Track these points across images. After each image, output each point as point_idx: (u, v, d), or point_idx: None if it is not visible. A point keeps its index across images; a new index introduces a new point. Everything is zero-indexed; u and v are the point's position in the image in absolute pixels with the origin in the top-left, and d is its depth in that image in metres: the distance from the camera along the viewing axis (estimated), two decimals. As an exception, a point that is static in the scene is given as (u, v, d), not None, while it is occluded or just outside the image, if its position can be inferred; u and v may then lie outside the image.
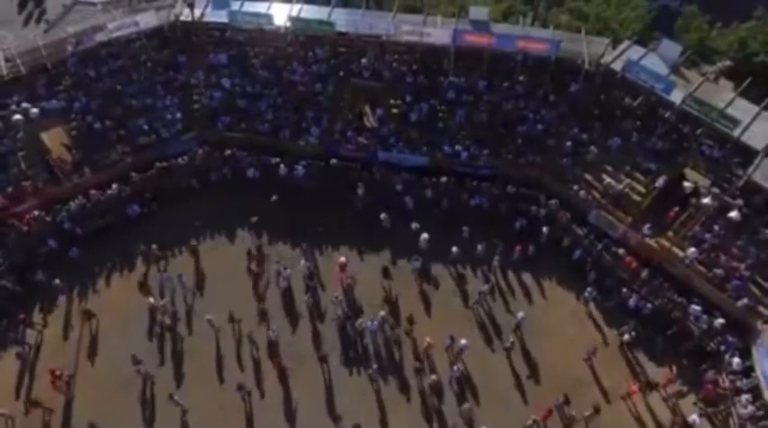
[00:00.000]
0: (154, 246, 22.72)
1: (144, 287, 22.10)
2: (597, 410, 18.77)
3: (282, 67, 27.34)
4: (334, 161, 25.41)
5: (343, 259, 22.40)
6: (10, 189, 22.96)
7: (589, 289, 21.95)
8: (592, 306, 21.91)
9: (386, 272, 22.56)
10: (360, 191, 24.37)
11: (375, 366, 19.99)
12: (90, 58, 26.11)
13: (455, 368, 19.76)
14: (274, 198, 24.02)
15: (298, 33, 27.26)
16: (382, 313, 20.96)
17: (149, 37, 26.99)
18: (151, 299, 21.19)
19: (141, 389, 19.53)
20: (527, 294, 22.42)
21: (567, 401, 18.96)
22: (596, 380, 20.05)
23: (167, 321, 21.15)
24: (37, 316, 21.34)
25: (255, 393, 19.57)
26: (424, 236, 22.78)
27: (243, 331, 20.85)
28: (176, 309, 21.56)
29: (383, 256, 23.36)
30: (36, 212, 23.01)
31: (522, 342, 20.95)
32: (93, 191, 23.82)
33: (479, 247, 22.80)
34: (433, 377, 19.71)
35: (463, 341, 20.02)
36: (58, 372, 19.19)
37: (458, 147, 25.50)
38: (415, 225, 23.23)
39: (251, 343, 20.55)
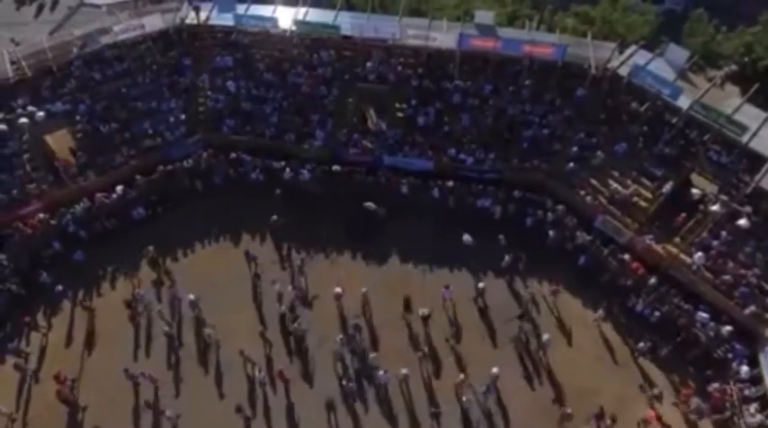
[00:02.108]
0: (150, 248, 22.55)
1: (131, 306, 21.26)
2: (614, 420, 18.63)
3: (287, 71, 27.30)
4: (336, 167, 25.32)
5: (338, 290, 21.32)
6: (15, 192, 22.92)
7: (595, 295, 21.81)
8: (599, 312, 21.66)
9: (407, 305, 21.21)
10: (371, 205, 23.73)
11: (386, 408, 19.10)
12: (95, 61, 26.09)
13: (464, 398, 19.01)
14: (278, 192, 24.17)
15: (303, 37, 27.22)
16: (404, 371, 19.41)
17: (155, 40, 26.98)
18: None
19: (145, 394, 19.39)
20: (534, 301, 22.19)
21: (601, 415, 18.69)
22: (603, 388, 19.86)
23: (165, 328, 20.80)
24: (41, 319, 21.22)
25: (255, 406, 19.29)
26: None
27: (238, 347, 20.20)
28: (177, 317, 21.29)
29: (389, 270, 22.98)
30: (41, 215, 22.97)
31: (545, 363, 20.37)
32: (98, 195, 23.80)
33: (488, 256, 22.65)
34: None
35: (494, 369, 19.20)
36: (62, 377, 19.12)
37: (462, 155, 25.42)
38: (466, 237, 22.86)
39: (246, 360, 19.95)
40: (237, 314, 21.33)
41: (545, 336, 20.48)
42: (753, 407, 18.59)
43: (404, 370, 19.47)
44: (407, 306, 21.26)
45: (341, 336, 20.22)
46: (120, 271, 22.62)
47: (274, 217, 23.46)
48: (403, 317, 21.34)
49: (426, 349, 20.47)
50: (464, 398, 19.09)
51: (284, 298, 21.55)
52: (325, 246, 23.58)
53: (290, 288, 21.82)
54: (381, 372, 19.42)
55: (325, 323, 21.10)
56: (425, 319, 20.74)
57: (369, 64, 26.94)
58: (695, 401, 19.05)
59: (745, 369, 19.33)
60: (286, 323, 20.90)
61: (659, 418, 18.85)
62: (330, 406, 19.03)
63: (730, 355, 19.98)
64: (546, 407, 19.36)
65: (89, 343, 20.72)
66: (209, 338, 20.47)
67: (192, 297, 21.05)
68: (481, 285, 21.77)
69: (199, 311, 21.19)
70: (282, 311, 21.19)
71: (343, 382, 19.57)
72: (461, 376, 19.43)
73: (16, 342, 20.42)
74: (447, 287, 21.59)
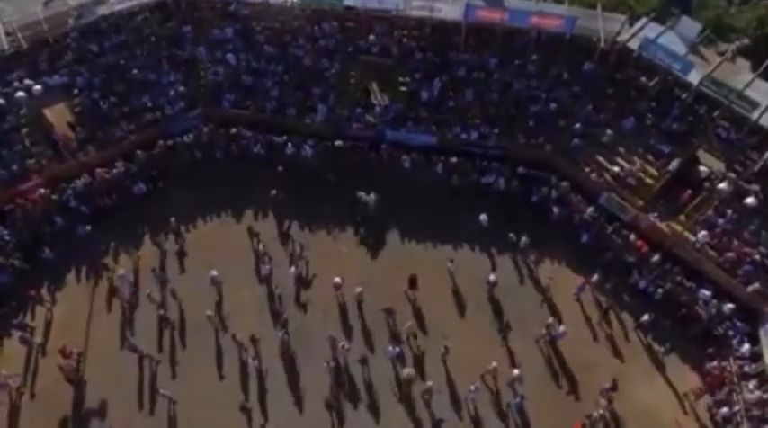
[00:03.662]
0: (172, 219, 22.53)
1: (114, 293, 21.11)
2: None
3: (288, 43, 26.68)
4: (339, 143, 24.90)
5: (337, 279, 20.66)
6: (15, 167, 22.72)
7: (598, 272, 21.77)
8: (594, 277, 21.67)
9: (413, 282, 20.95)
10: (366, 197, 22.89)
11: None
12: (92, 33, 25.47)
13: (473, 387, 18.78)
14: (280, 168, 23.88)
15: (304, 7, 26.45)
16: (430, 384, 18.82)
17: (152, 10, 26.26)
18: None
19: (148, 369, 19.68)
20: (536, 277, 22.25)
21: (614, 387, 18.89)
22: (605, 362, 20.10)
23: (160, 312, 20.69)
24: (45, 294, 21.25)
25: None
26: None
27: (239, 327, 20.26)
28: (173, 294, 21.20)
29: (392, 247, 22.80)
30: (41, 190, 22.80)
31: (558, 355, 20.30)
32: (98, 170, 23.59)
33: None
34: None
35: (516, 371, 19.11)
36: (68, 351, 19.31)
37: (464, 135, 24.95)
38: (483, 216, 22.53)
39: (238, 345, 19.87)
40: (239, 291, 21.34)
41: (561, 328, 20.23)
42: (752, 384, 18.78)
43: (431, 384, 19.03)
44: (413, 284, 21.09)
45: (343, 344, 19.52)
46: (121, 246, 22.52)
47: (274, 191, 23.28)
48: (406, 294, 21.35)
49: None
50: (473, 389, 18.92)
51: (275, 285, 21.33)
52: (328, 223, 23.46)
53: (292, 269, 21.54)
54: (390, 348, 19.60)
55: (324, 311, 20.94)
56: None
57: (371, 36, 26.30)
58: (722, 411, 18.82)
59: (746, 346, 19.45)
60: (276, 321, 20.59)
61: None
62: (330, 397, 19.07)
63: (731, 332, 20.07)
64: (560, 398, 19.50)
65: (94, 317, 20.77)
66: (210, 320, 20.35)
67: (214, 273, 21.01)
68: (492, 277, 21.35)
69: (219, 287, 21.22)
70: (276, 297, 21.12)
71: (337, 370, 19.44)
72: (493, 363, 19.30)
73: (21, 316, 20.58)
74: (452, 261, 21.68)
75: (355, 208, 23.18)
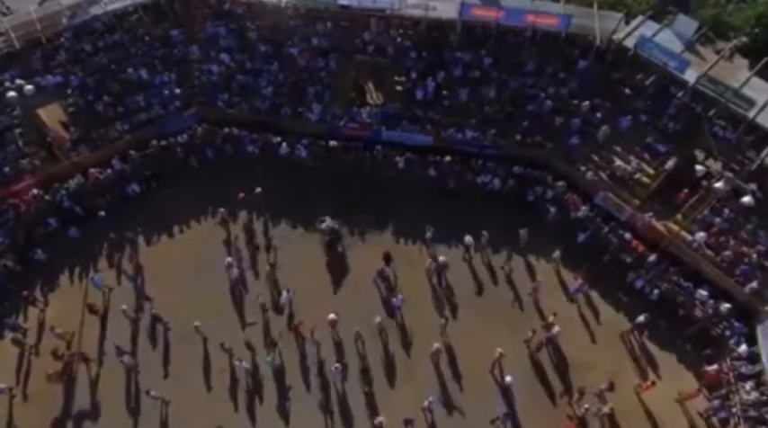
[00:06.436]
0: (222, 210, 22.81)
1: (94, 311, 20.48)
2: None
3: (283, 42, 26.55)
4: (334, 143, 24.79)
5: (332, 316, 19.75)
6: (7, 167, 22.61)
7: (595, 271, 21.59)
8: (555, 253, 21.73)
9: (387, 259, 21.39)
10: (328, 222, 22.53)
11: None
12: (85, 32, 25.36)
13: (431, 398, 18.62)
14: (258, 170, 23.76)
15: (299, 6, 26.33)
16: (437, 345, 19.35)
17: (146, 10, 26.12)
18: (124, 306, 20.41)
19: (138, 371, 19.49)
20: (532, 276, 22.10)
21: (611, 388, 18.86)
22: (601, 363, 19.93)
23: (153, 311, 20.60)
24: (38, 295, 21.13)
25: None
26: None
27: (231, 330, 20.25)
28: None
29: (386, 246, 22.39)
30: (35, 191, 22.69)
31: (553, 355, 20.18)
32: (91, 170, 23.48)
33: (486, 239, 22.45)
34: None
35: (508, 378, 18.97)
36: (60, 353, 19.21)
37: (459, 135, 24.81)
38: (468, 238, 22.27)
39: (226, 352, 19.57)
40: (231, 293, 21.29)
41: (555, 328, 20.00)
42: (748, 385, 18.61)
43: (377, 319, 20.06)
44: (388, 260, 21.35)
45: (337, 365, 18.94)
46: (114, 248, 22.34)
47: (242, 194, 23.12)
48: (383, 272, 21.34)
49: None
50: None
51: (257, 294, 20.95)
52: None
53: (284, 294, 20.77)
54: (394, 299, 20.54)
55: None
56: None
57: (366, 35, 26.15)
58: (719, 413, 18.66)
59: (743, 347, 19.25)
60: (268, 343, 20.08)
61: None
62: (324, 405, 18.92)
63: (728, 332, 19.90)
64: (556, 398, 19.37)
65: (87, 319, 20.59)
66: (197, 331, 19.95)
67: (229, 259, 21.15)
68: (442, 258, 21.57)
69: (231, 275, 21.28)
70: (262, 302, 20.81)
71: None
72: (499, 350, 19.26)
73: (14, 317, 20.45)
74: (430, 229, 22.26)
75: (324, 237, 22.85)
